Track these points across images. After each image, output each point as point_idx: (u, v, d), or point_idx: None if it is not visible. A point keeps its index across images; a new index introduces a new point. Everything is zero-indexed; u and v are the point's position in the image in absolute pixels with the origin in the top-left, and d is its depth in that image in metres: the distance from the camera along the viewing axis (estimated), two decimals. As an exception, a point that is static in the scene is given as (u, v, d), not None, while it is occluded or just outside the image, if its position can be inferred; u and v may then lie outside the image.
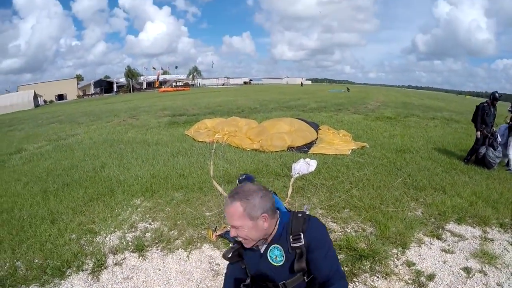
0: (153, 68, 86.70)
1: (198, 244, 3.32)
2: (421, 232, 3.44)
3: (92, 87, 73.74)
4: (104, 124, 13.45)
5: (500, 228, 3.59)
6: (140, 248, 3.23)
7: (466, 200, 4.21)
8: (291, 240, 1.30)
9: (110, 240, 3.43)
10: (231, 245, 1.57)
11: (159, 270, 2.93)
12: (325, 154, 6.64)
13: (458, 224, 3.65)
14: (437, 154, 6.81)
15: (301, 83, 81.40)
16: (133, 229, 3.67)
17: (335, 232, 3.46)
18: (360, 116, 13.61)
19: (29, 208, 4.33)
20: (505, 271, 2.80)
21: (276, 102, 21.88)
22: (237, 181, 3.78)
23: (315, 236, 1.30)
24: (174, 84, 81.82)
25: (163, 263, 3.04)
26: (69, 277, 2.84)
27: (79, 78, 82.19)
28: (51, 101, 59.38)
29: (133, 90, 72.53)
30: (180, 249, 3.25)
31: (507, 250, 3.14)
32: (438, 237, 3.35)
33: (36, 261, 3.04)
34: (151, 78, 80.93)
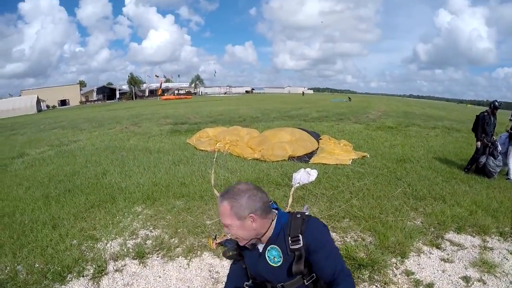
0: (156, 76, 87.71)
1: (199, 252, 3.33)
2: (420, 241, 3.45)
3: (94, 94, 74.32)
4: (106, 130, 13.53)
5: (500, 237, 3.60)
6: (140, 255, 3.25)
7: (466, 209, 4.21)
8: (290, 242, 1.28)
9: (111, 247, 3.45)
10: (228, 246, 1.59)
11: (160, 277, 2.95)
12: (325, 164, 6.66)
13: (458, 233, 3.66)
14: (437, 164, 6.82)
15: (303, 92, 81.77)
16: (134, 236, 3.69)
17: (335, 242, 3.47)
18: (361, 126, 13.65)
19: (30, 213, 4.36)
20: (504, 280, 2.80)
21: (277, 111, 21.99)
22: None
23: (315, 238, 1.28)
24: (176, 92, 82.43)
25: (164, 270, 3.05)
26: (70, 282, 2.85)
27: (82, 84, 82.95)
28: (54, 106, 59.78)
29: (135, 98, 73.06)
30: (180, 256, 3.26)
31: (507, 259, 3.15)
32: (438, 247, 3.36)
33: (37, 265, 3.06)
34: (154, 85, 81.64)
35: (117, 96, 74.98)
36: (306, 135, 8.95)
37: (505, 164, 5.96)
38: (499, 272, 2.91)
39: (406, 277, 2.86)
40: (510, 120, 6.35)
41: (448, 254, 3.22)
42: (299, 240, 1.27)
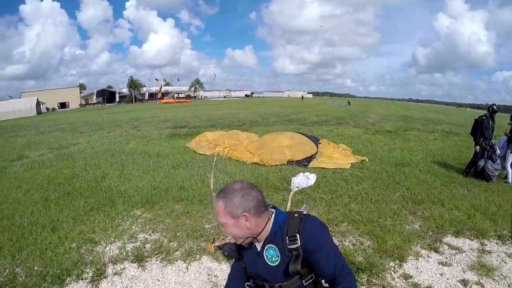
0: (156, 79, 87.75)
1: (197, 256, 3.34)
2: (418, 245, 3.46)
3: (94, 97, 74.26)
4: (106, 134, 13.54)
5: (498, 240, 3.62)
6: (139, 259, 3.25)
7: (464, 213, 4.24)
8: (287, 241, 1.28)
9: (110, 250, 3.45)
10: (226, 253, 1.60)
11: (158, 280, 2.95)
12: (324, 168, 6.68)
13: (456, 237, 3.67)
14: (436, 168, 6.85)
15: (302, 96, 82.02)
16: (133, 240, 3.70)
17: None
18: (360, 130, 13.70)
19: (29, 216, 4.36)
20: (502, 283, 2.82)
21: (277, 115, 22.06)
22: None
23: (313, 237, 1.28)
24: (176, 95, 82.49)
25: (162, 274, 3.05)
26: (69, 285, 2.86)
27: (82, 87, 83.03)
28: (54, 109, 59.81)
29: (135, 101, 73.11)
30: (179, 260, 3.26)
31: (505, 262, 3.16)
32: (436, 250, 3.37)
33: (36, 268, 3.07)
34: (154, 89, 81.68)
35: (117, 99, 75.00)
36: (305, 139, 8.97)
37: (504, 167, 5.99)
38: (497, 275, 2.93)
39: (404, 280, 2.86)
40: (509, 123, 6.38)
41: (446, 258, 3.23)
42: (297, 239, 1.26)
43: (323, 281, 1.36)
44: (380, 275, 2.90)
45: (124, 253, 3.36)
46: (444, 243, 3.52)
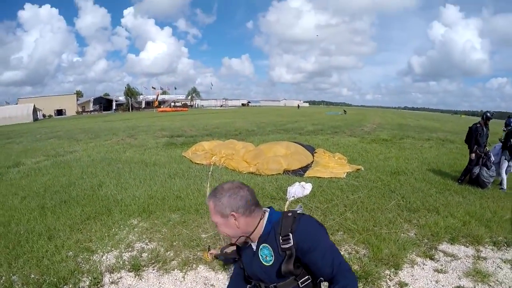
0: (153, 87, 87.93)
1: (194, 265, 3.34)
2: (414, 253, 3.49)
3: (91, 104, 74.25)
4: (103, 142, 13.50)
5: (493, 247, 3.66)
6: (136, 268, 3.25)
7: (459, 220, 4.29)
8: (281, 241, 1.27)
9: (107, 259, 3.45)
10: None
11: (155, 289, 2.95)
12: (320, 177, 6.72)
13: (451, 244, 3.71)
14: (431, 175, 6.92)
15: (298, 105, 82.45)
16: (130, 249, 3.69)
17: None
18: (356, 139, 13.80)
19: (26, 223, 4.34)
20: (497, 289, 2.84)
21: (273, 124, 22.16)
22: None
23: (306, 236, 1.26)
24: (172, 104, 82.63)
25: (159, 283, 3.05)
26: (65, 295, 2.85)
27: (79, 94, 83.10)
28: (50, 116, 59.60)
29: (132, 109, 73.07)
30: (176, 269, 3.26)
31: (500, 268, 3.20)
32: (431, 258, 3.40)
33: (33, 276, 3.05)
34: (150, 97, 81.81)
35: (114, 107, 75.03)
36: (301, 148, 9.03)
37: (498, 174, 6.06)
38: (493, 281, 2.96)
39: (399, 288, 2.89)
40: (504, 130, 6.46)
41: (441, 265, 3.27)
42: (290, 239, 1.25)
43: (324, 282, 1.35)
44: (375, 283, 2.92)
45: (121, 262, 3.36)
46: (440, 251, 3.56)
